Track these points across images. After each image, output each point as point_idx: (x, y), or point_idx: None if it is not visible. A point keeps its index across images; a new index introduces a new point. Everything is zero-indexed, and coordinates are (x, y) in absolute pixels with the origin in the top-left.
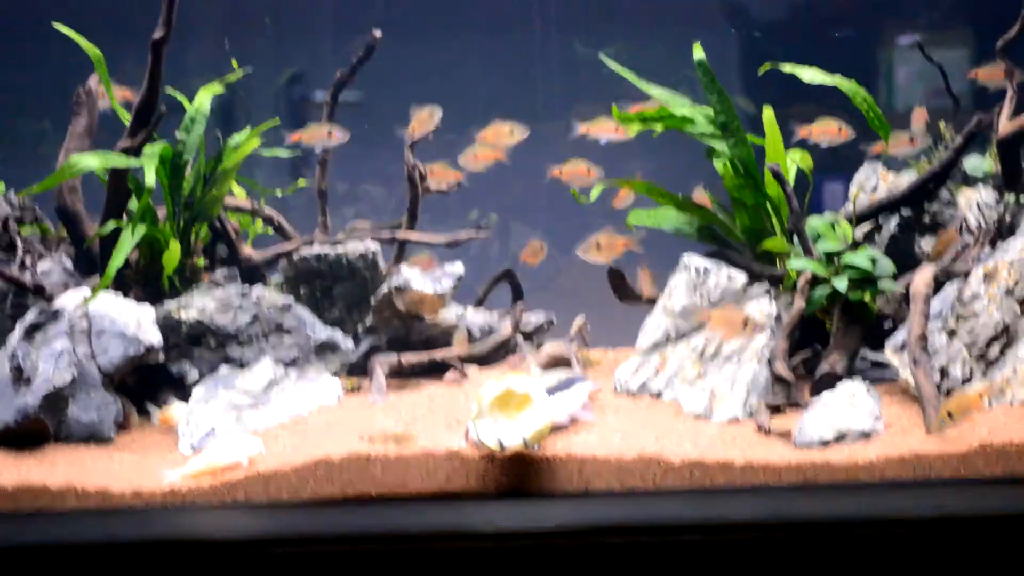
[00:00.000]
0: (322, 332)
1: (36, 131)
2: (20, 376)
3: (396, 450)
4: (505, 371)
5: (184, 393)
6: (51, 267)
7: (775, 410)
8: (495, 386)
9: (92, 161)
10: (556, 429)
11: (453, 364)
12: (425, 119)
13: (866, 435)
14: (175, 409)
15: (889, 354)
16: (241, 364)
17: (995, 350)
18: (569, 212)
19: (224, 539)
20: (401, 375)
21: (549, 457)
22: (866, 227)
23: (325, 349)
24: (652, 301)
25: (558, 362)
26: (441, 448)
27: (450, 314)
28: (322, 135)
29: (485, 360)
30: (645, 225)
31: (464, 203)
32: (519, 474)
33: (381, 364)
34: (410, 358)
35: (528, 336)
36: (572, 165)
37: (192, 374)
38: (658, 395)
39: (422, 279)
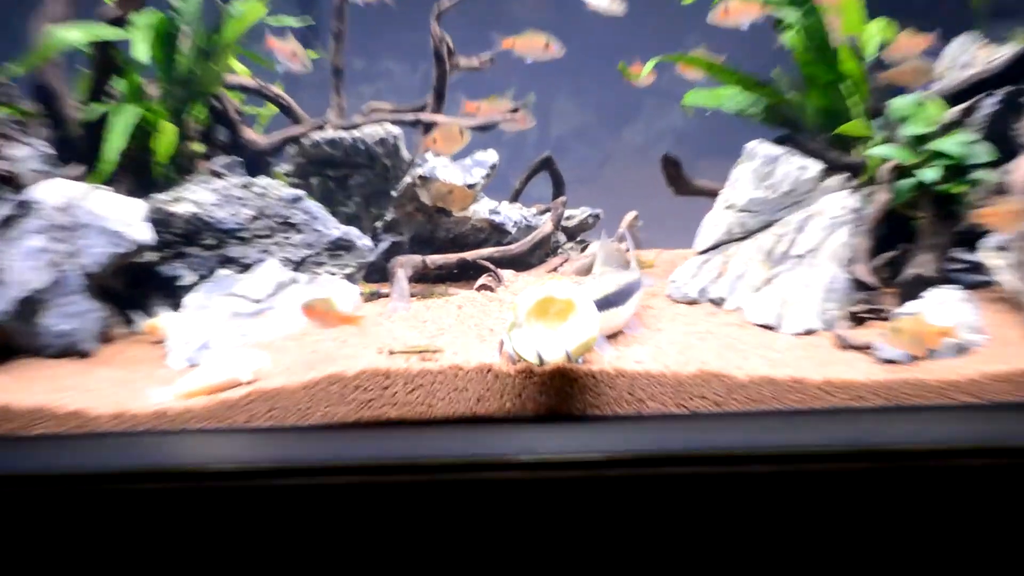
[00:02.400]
0: (336, 229)
1: None
2: None
3: (420, 365)
4: (545, 274)
5: (176, 299)
6: (28, 154)
7: (856, 320)
8: (534, 292)
9: (75, 34)
10: (607, 339)
11: (485, 266)
12: None
13: (962, 349)
14: (166, 318)
15: (986, 255)
16: (242, 266)
17: None
18: (617, 90)
19: (221, 469)
20: (426, 279)
21: (595, 373)
22: (959, 108)
23: (339, 248)
24: (713, 194)
25: (605, 263)
26: (472, 362)
27: (482, 209)
28: None
29: (522, 262)
30: (703, 106)
31: (497, 84)
32: (561, 392)
33: (403, 266)
34: (436, 259)
35: (571, 234)
36: (529, 37)
37: (186, 277)
38: (720, 302)
39: (451, 168)
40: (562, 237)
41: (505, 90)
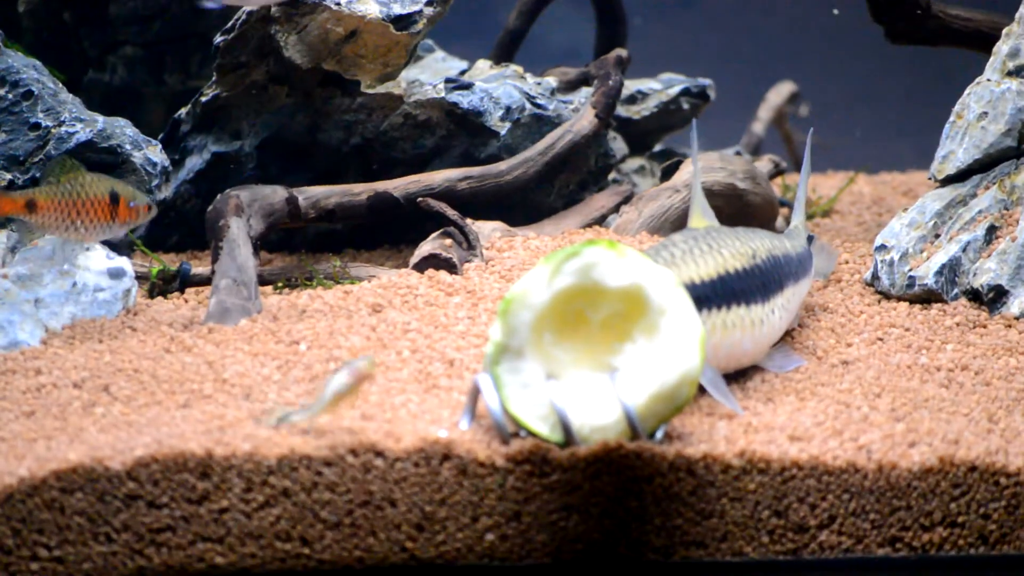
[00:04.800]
0: (79, 122)
1: None
2: None
3: (284, 446)
4: (577, 229)
5: None
6: None
7: None
8: (548, 274)
9: None
10: (724, 379)
11: (436, 212)
12: None
13: None
14: None
15: None
16: None
17: None
18: None
19: None
20: (298, 241)
21: (695, 463)
22: None
23: (90, 167)
24: (980, 40)
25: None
26: (405, 438)
27: (430, 78)
28: None
29: (525, 201)
30: None
31: None
32: (614, 512)
33: (242, 212)
34: (319, 196)
35: (642, 138)
36: None
37: None
38: (992, 298)
39: None
40: (617, 144)
41: None
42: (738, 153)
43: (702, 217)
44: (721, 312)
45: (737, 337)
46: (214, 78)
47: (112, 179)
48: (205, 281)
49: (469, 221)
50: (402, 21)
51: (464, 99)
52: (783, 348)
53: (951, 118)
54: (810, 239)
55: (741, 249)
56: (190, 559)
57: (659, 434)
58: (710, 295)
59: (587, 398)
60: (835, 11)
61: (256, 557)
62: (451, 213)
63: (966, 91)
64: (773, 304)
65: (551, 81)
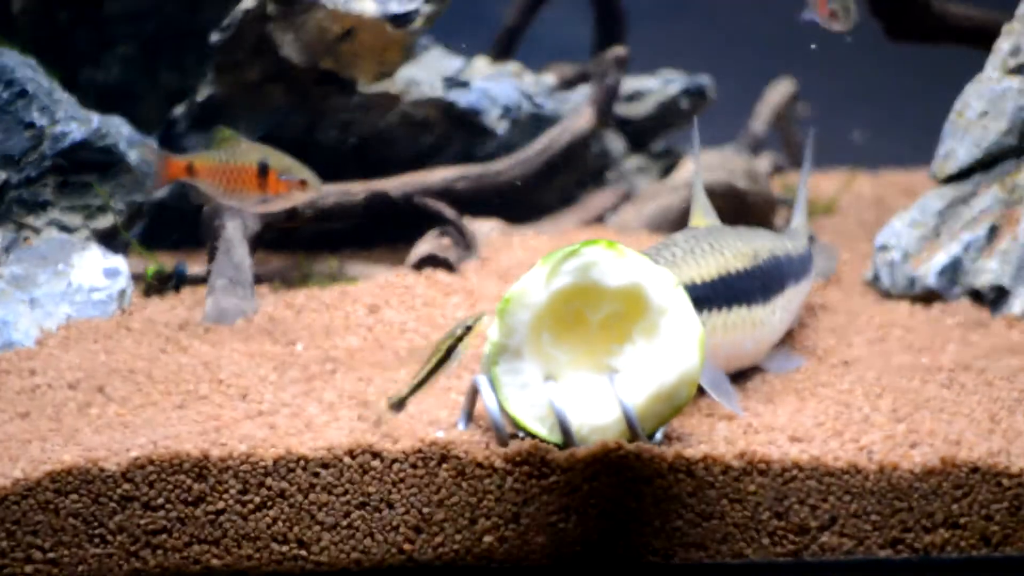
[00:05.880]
0: (75, 120)
1: None
2: None
3: (281, 446)
4: (576, 228)
5: None
6: None
7: None
8: (547, 273)
9: None
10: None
11: (434, 212)
12: None
13: None
14: None
15: None
16: None
17: None
18: None
19: None
20: (294, 240)
21: (695, 464)
22: None
23: (82, 167)
24: (979, 36)
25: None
26: (403, 440)
27: (428, 77)
28: None
29: (523, 200)
30: None
31: None
32: (614, 512)
33: (237, 212)
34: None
35: (640, 135)
36: None
37: None
38: (994, 298)
39: None
40: (615, 143)
41: None
42: (737, 152)
43: (704, 216)
44: (722, 313)
45: (738, 338)
46: (210, 76)
47: (271, 150)
48: (201, 281)
49: (467, 220)
50: (399, 19)
51: (462, 98)
52: (783, 349)
53: (952, 116)
54: (811, 239)
55: (743, 249)
56: (186, 561)
57: (658, 435)
58: (711, 296)
59: (586, 399)
60: (848, 38)
61: (252, 559)
62: (448, 212)
63: (966, 89)
64: (774, 305)
65: (549, 79)
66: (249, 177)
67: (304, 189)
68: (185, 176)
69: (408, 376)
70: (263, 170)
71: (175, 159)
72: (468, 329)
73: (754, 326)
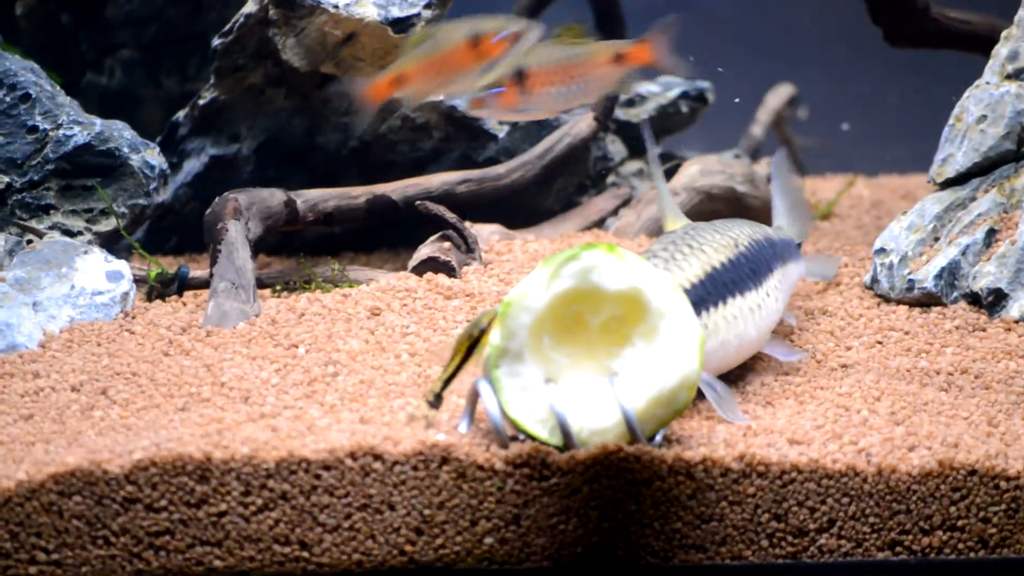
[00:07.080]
0: (77, 124)
1: None
2: None
3: (294, 446)
4: (576, 232)
5: None
6: None
7: None
8: (547, 277)
9: None
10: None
11: (436, 217)
12: None
13: None
14: None
15: None
16: None
17: None
18: None
19: None
20: (296, 244)
21: (695, 466)
22: None
23: (85, 171)
24: (976, 42)
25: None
26: (404, 442)
27: None
28: None
29: (523, 205)
30: None
31: None
32: (615, 515)
33: (239, 215)
34: (317, 199)
35: (639, 140)
36: None
37: None
38: (992, 302)
39: None
40: (616, 147)
41: None
42: (737, 156)
43: (676, 219)
44: (719, 309)
45: (741, 328)
46: (212, 81)
47: (469, 21)
48: (203, 284)
49: (467, 224)
50: (400, 24)
51: (464, 103)
52: (784, 341)
53: (950, 121)
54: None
55: (722, 241)
56: (188, 563)
57: (658, 437)
58: (703, 296)
59: (586, 401)
60: (845, 126)
61: (255, 561)
62: (449, 216)
63: (965, 94)
64: (767, 287)
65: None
66: (464, 54)
67: (522, 37)
68: (395, 89)
69: (437, 375)
70: (475, 42)
71: (376, 79)
72: (483, 332)
73: (752, 312)
